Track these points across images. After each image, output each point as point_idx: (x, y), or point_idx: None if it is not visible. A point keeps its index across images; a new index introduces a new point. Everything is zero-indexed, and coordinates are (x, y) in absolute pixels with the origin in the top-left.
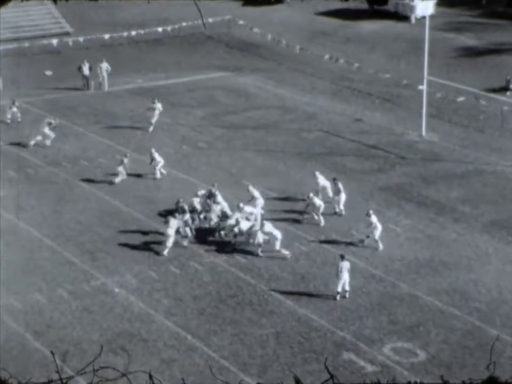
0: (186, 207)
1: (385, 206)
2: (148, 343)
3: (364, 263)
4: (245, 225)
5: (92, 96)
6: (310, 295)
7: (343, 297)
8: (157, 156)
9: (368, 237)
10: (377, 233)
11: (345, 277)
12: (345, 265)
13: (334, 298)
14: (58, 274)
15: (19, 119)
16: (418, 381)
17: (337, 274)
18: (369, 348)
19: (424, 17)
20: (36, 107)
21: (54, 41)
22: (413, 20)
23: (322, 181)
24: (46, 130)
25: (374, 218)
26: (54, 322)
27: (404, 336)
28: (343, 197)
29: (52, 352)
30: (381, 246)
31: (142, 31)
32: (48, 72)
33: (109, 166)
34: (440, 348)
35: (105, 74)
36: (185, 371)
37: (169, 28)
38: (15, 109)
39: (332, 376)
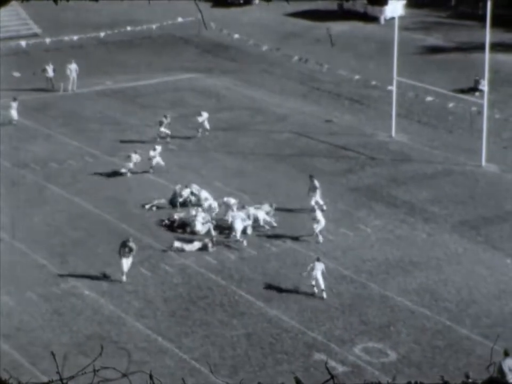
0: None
1: (355, 207)
2: (119, 345)
3: (335, 264)
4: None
5: (61, 98)
6: (280, 296)
7: (321, 298)
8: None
9: (316, 234)
10: (319, 227)
11: (318, 276)
12: (319, 266)
13: (312, 294)
14: (27, 277)
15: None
16: (418, 381)
17: (309, 273)
18: (340, 349)
19: (393, 18)
20: (3, 109)
21: (22, 43)
22: (382, 21)
23: (204, 194)
24: (162, 129)
25: (318, 213)
26: (23, 325)
27: (375, 336)
28: (318, 193)
29: (52, 353)
30: (321, 239)
31: (111, 32)
32: (16, 74)
33: (78, 167)
34: (410, 347)
35: (74, 75)
36: (156, 373)
37: (138, 29)
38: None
39: (332, 377)
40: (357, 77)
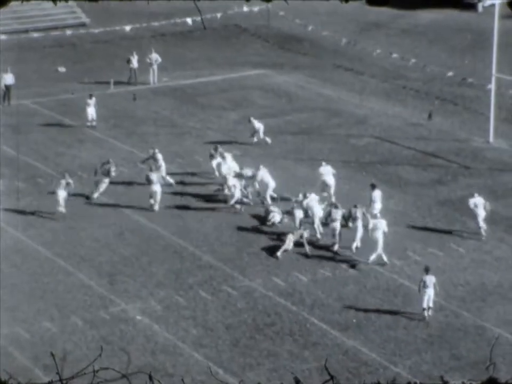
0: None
1: (446, 223)
2: (174, 379)
3: None
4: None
5: (110, 96)
6: (359, 324)
7: (423, 318)
8: (230, 160)
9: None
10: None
11: (430, 292)
12: (430, 279)
13: (423, 318)
14: (72, 300)
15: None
16: (418, 381)
17: (420, 289)
18: None
19: (493, 5)
20: (47, 108)
21: (68, 33)
22: (480, 8)
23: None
24: (256, 123)
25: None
26: (67, 355)
27: (469, 373)
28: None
29: (51, 354)
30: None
31: (168, 22)
32: (61, 69)
33: (131, 175)
34: None
35: (155, 67)
36: None
37: (199, 19)
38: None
39: (331, 377)
40: (449, 73)
